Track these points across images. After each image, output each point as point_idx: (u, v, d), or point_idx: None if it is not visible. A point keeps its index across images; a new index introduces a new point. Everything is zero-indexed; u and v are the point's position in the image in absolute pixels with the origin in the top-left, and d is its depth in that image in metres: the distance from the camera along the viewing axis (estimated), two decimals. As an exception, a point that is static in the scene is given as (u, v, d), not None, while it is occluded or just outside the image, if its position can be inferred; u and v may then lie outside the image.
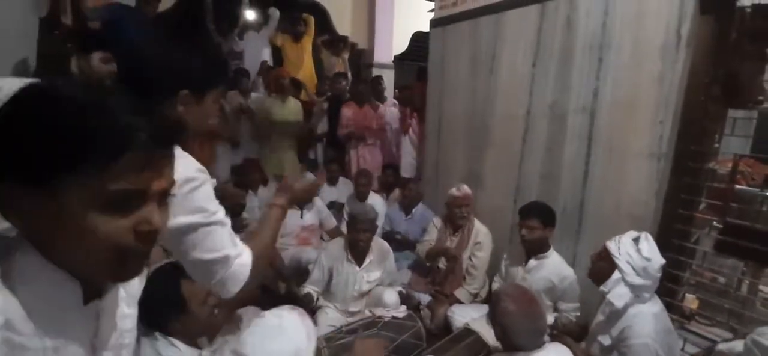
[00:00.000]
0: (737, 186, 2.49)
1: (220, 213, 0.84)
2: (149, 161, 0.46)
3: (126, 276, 0.50)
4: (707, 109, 1.92)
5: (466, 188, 2.56)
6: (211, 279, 0.85)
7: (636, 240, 1.57)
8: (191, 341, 1.38)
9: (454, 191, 2.55)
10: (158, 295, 1.30)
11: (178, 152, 0.74)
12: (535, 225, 2.11)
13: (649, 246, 1.54)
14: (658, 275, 1.54)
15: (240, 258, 0.86)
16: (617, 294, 1.51)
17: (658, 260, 1.53)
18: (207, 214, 0.80)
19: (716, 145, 2.10)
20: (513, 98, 2.57)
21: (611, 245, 1.59)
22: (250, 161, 3.57)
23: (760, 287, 2.35)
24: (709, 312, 2.15)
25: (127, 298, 0.58)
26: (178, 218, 0.77)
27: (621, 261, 1.53)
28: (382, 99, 4.16)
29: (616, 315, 1.55)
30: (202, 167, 0.81)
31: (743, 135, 2.02)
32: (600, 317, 1.63)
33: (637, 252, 1.53)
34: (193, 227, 0.79)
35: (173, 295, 1.30)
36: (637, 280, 1.51)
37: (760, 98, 1.81)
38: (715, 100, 1.91)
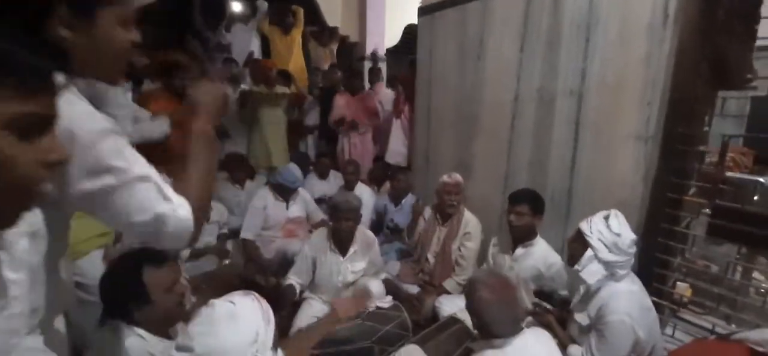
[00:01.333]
0: (729, 173, 2.45)
1: (139, 167, 0.71)
2: (50, 87, 0.43)
3: (7, 223, 0.45)
4: (696, 89, 1.87)
5: (457, 176, 2.52)
6: (150, 240, 0.74)
7: (606, 218, 1.58)
8: (161, 331, 1.33)
9: (445, 177, 2.53)
10: (119, 284, 1.26)
11: (71, 97, 0.62)
12: (524, 211, 2.08)
13: (618, 222, 1.56)
14: (631, 250, 1.54)
15: (177, 212, 0.73)
16: (590, 271, 1.53)
17: (628, 235, 1.54)
18: (118, 172, 0.67)
19: (706, 128, 2.05)
20: (501, 84, 2.52)
21: (583, 226, 1.61)
22: (235, 156, 3.52)
23: (754, 275, 2.31)
24: (701, 298, 2.10)
25: (10, 262, 0.52)
26: (83, 183, 0.65)
27: (593, 239, 1.55)
28: (377, 88, 4.11)
29: (590, 293, 1.56)
30: (102, 116, 0.67)
31: (735, 115, 1.97)
32: (576, 297, 1.63)
33: (607, 229, 1.54)
34: (105, 192, 0.67)
35: (134, 284, 1.24)
36: (610, 256, 1.52)
37: (749, 76, 1.76)
38: (704, 80, 1.86)
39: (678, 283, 2.21)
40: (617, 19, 1.95)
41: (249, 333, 1.04)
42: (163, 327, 1.34)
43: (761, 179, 2.49)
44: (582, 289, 1.60)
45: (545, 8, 2.24)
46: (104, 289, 1.27)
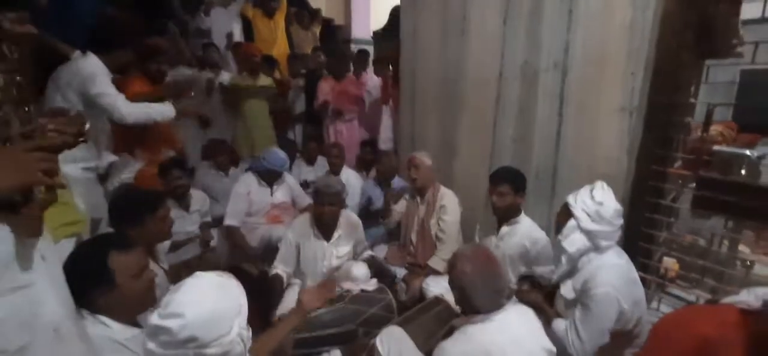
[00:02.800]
0: (717, 147, 2.42)
1: None
2: None
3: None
4: (680, 58, 1.82)
5: (413, 154, 2.58)
6: None
7: (592, 189, 1.57)
8: (127, 318, 1.28)
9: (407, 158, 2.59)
10: (82, 268, 1.19)
11: None
12: (506, 191, 2.04)
13: (602, 192, 1.54)
14: (616, 222, 1.52)
15: None
16: (571, 240, 1.52)
17: (611, 204, 1.52)
18: None
19: (692, 99, 2.01)
20: (484, 59, 2.46)
21: (569, 198, 1.59)
22: (218, 142, 3.44)
23: (739, 247, 2.30)
24: (687, 271, 2.09)
25: None
26: None
27: (576, 209, 1.53)
28: (364, 71, 4.03)
29: (575, 266, 1.54)
30: None
31: (723, 82, 1.94)
32: (559, 269, 1.61)
33: (591, 198, 1.53)
34: None
35: (99, 268, 1.19)
36: (592, 226, 1.50)
37: (734, 41, 1.71)
38: (689, 48, 1.82)
39: (665, 258, 2.20)
40: (601, -13, 1.89)
41: (235, 304, 1.09)
42: (130, 315, 1.29)
43: (748, 152, 2.48)
44: (564, 260, 1.57)
45: (528, -21, 2.17)
46: (67, 275, 1.21)
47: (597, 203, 1.50)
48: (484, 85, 2.47)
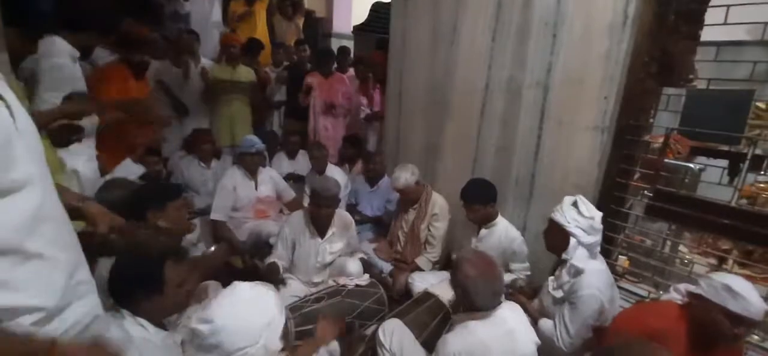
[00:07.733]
0: (666, 159, 2.77)
1: None
2: None
3: None
4: (645, 86, 2.09)
5: (397, 184, 2.61)
6: None
7: (574, 205, 1.73)
8: (159, 322, 1.33)
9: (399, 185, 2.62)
10: (137, 272, 1.25)
11: None
12: (477, 208, 2.24)
13: (587, 206, 1.71)
14: (601, 227, 1.71)
15: None
16: (579, 257, 1.67)
17: (597, 214, 1.71)
18: None
19: (651, 120, 2.30)
20: (472, 72, 2.62)
21: (557, 217, 1.74)
22: (200, 132, 3.39)
23: (680, 248, 2.68)
24: (637, 269, 2.41)
25: None
26: None
27: (571, 228, 1.69)
28: (344, 71, 4.08)
29: (579, 272, 1.68)
30: None
31: (675, 110, 2.23)
32: (564, 277, 1.74)
33: (579, 215, 1.69)
34: None
35: (155, 274, 1.25)
36: (589, 239, 1.68)
37: (690, 76, 2.00)
38: (652, 77, 2.09)
39: (620, 256, 2.52)
40: (582, 19, 2.10)
41: (264, 316, 1.16)
42: (162, 318, 1.35)
43: (691, 165, 2.88)
44: (573, 270, 1.69)
45: (516, 3, 2.35)
46: (119, 276, 1.24)
47: (587, 219, 1.67)
48: (471, 95, 2.64)
